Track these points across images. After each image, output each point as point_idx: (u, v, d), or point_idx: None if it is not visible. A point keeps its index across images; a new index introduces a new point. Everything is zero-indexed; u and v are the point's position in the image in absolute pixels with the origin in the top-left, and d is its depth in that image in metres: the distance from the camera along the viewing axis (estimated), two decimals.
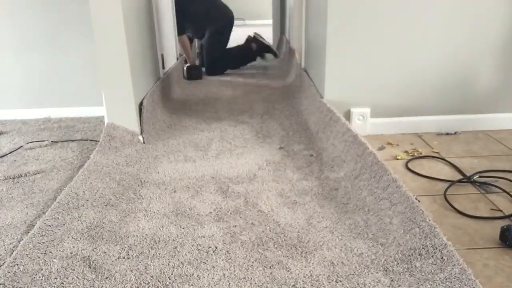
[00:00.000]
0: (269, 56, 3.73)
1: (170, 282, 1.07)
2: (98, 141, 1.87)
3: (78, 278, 1.09)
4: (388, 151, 1.84)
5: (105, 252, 1.19)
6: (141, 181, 1.61)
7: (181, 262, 1.15)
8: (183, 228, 1.30)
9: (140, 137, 1.93)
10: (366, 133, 2.02)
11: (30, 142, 2.03)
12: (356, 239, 1.22)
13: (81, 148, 1.97)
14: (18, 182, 1.65)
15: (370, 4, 1.87)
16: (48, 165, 1.79)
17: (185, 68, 3.30)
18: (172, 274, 1.10)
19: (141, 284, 1.07)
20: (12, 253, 1.20)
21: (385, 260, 1.12)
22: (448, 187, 1.50)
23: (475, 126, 2.04)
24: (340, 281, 1.06)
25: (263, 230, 1.28)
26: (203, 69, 3.41)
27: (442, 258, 1.02)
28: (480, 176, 1.57)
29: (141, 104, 1.99)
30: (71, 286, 1.06)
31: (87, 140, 2.06)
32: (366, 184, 1.42)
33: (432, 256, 1.04)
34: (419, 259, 1.06)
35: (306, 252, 1.17)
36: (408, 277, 1.04)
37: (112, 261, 1.16)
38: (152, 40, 2.38)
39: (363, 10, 1.88)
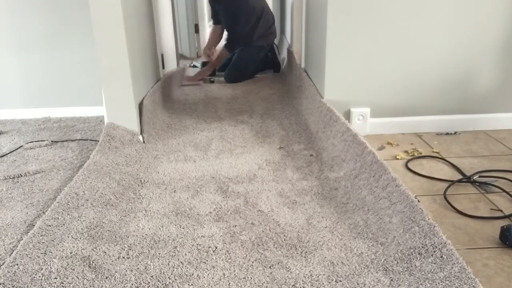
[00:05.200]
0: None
1: (170, 282, 1.07)
2: (98, 141, 1.87)
3: (78, 278, 1.09)
4: (388, 151, 1.84)
5: (105, 252, 1.19)
6: (141, 181, 1.61)
7: (181, 262, 1.15)
8: (183, 228, 1.30)
9: (140, 137, 1.93)
10: (366, 133, 2.02)
11: (30, 142, 2.03)
12: (356, 238, 1.22)
13: (81, 148, 1.97)
14: (18, 182, 1.65)
15: (370, 4, 1.87)
16: (48, 165, 1.79)
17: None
18: (172, 274, 1.10)
19: (141, 284, 1.07)
20: (12, 253, 1.20)
21: (384, 259, 1.12)
22: (448, 187, 1.50)
23: (475, 126, 2.04)
24: (340, 281, 1.06)
25: (263, 230, 1.28)
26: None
27: (441, 257, 1.02)
28: (480, 176, 1.57)
29: (141, 104, 1.99)
30: (71, 286, 1.06)
31: (87, 140, 2.06)
32: (366, 183, 1.42)
33: (432, 255, 1.04)
34: (418, 258, 1.06)
35: (306, 252, 1.17)
36: (407, 276, 1.04)
37: (112, 261, 1.16)
38: (152, 40, 2.38)
39: (363, 10, 1.88)
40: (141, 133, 1.94)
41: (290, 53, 3.22)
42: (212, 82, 3.17)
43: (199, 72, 3.25)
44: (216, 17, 3.39)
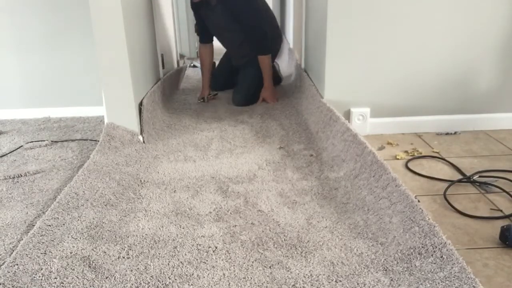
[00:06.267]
0: None
1: (170, 282, 1.07)
2: (98, 141, 1.87)
3: (78, 278, 1.09)
4: (388, 151, 1.84)
5: (105, 252, 1.19)
6: (141, 180, 1.61)
7: (181, 262, 1.15)
8: (183, 228, 1.30)
9: (140, 137, 1.93)
10: (366, 133, 2.02)
11: (30, 142, 2.03)
12: (356, 238, 1.22)
13: (81, 148, 1.97)
14: (18, 182, 1.65)
15: (370, 5, 1.87)
16: (48, 165, 1.79)
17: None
18: (172, 274, 1.10)
19: (141, 284, 1.07)
20: (12, 253, 1.20)
21: (384, 259, 1.12)
22: (448, 187, 1.50)
23: (475, 126, 2.04)
24: (340, 281, 1.06)
25: (263, 230, 1.28)
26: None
27: (441, 257, 1.02)
28: (480, 176, 1.57)
29: (140, 104, 1.99)
30: (71, 286, 1.06)
31: (86, 140, 2.06)
32: (366, 183, 1.42)
33: (432, 255, 1.04)
34: (418, 258, 1.06)
35: (306, 252, 1.17)
36: (407, 276, 1.04)
37: (112, 261, 1.15)
38: (152, 40, 2.38)
39: (363, 10, 1.88)
40: (141, 133, 1.94)
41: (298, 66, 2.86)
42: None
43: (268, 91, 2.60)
44: (205, 33, 2.70)
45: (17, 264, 1.12)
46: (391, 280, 1.04)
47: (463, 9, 1.89)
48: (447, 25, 1.91)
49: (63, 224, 1.31)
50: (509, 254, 1.15)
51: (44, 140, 2.04)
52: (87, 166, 1.65)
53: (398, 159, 1.76)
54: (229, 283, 1.06)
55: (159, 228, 1.30)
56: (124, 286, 1.06)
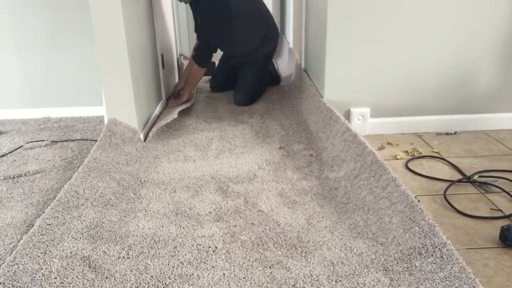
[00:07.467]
0: None
1: (170, 282, 1.07)
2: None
3: (78, 277, 1.09)
4: (388, 151, 1.84)
5: (105, 252, 1.19)
6: (141, 180, 1.61)
7: (181, 262, 1.15)
8: (183, 228, 1.30)
9: (141, 135, 1.93)
10: (366, 133, 2.02)
11: (30, 142, 2.03)
12: (356, 238, 1.22)
13: (81, 148, 1.97)
14: (18, 182, 1.65)
15: (370, 4, 1.87)
16: (48, 165, 1.79)
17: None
18: (172, 274, 1.10)
19: (141, 284, 1.07)
20: (12, 253, 1.20)
21: (384, 259, 1.12)
22: (448, 187, 1.50)
23: (475, 126, 2.04)
24: (340, 281, 1.06)
25: (263, 230, 1.28)
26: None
27: (441, 257, 1.02)
28: (480, 176, 1.57)
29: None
30: (71, 285, 1.06)
31: (86, 140, 2.06)
32: (366, 183, 1.42)
33: (432, 255, 1.04)
34: (418, 258, 1.06)
35: (306, 252, 1.17)
36: (407, 276, 1.04)
37: (112, 261, 1.16)
38: (152, 40, 2.37)
39: (363, 10, 1.88)
40: (141, 132, 1.94)
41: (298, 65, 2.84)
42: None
43: (178, 98, 2.53)
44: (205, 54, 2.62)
45: (17, 264, 1.12)
46: (391, 280, 1.04)
47: (463, 9, 1.89)
48: (447, 25, 1.91)
49: (63, 224, 1.31)
50: (509, 254, 1.15)
51: (44, 140, 2.04)
52: (87, 163, 1.64)
53: (398, 159, 1.76)
54: (229, 283, 1.06)
55: (159, 228, 1.30)
56: (124, 286, 1.06)
